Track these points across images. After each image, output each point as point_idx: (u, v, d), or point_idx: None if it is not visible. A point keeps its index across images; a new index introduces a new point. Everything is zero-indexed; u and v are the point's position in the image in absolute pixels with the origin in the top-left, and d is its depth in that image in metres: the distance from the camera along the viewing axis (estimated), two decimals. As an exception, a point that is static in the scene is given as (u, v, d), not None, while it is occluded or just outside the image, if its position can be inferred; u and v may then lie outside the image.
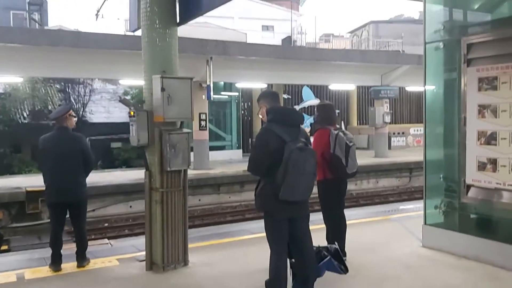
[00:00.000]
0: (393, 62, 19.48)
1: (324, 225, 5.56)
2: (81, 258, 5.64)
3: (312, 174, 4.06)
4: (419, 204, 8.25)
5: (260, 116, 4.45)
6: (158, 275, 5.30)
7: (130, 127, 5.45)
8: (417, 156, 16.44)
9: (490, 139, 5.30)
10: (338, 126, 5.50)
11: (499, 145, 5.20)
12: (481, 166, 5.41)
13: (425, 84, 6.22)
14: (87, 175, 5.63)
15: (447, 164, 6.23)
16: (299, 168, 3.92)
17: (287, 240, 4.15)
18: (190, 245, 5.71)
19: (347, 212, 5.75)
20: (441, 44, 6.11)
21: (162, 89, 5.20)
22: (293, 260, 4.33)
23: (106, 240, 6.95)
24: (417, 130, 25.16)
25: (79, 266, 5.58)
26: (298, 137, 4.06)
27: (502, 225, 5.63)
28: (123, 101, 5.68)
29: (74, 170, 5.47)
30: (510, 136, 5.09)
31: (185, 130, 5.56)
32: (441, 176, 6.18)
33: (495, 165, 5.26)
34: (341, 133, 5.28)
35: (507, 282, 4.83)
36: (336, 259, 4.44)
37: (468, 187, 5.59)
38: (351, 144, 5.28)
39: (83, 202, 5.64)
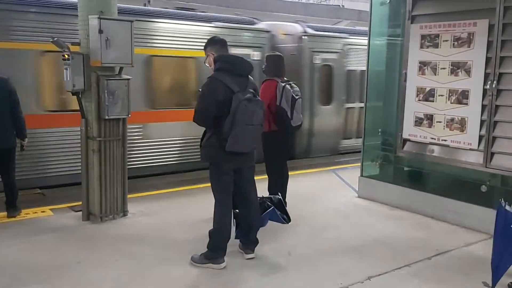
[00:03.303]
0: (333, 17, 19.53)
1: (266, 176, 5.59)
2: (12, 208, 5.34)
3: (260, 126, 4.02)
4: (355, 157, 8.56)
5: (207, 65, 4.27)
6: (96, 226, 5.15)
7: (64, 71, 5.10)
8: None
9: (428, 95, 5.49)
10: (286, 78, 5.43)
11: (436, 101, 5.40)
12: (418, 122, 5.62)
13: (369, 39, 6.27)
14: (15, 121, 5.23)
15: (385, 119, 6.44)
16: (247, 119, 3.85)
17: (232, 191, 4.13)
18: (129, 195, 5.57)
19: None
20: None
21: (100, 31, 4.87)
22: (237, 210, 4.34)
23: (38, 190, 6.59)
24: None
25: (9, 216, 5.30)
26: (246, 88, 3.97)
27: (432, 177, 5.97)
28: (55, 42, 5.25)
29: (1, 115, 5.06)
30: (447, 93, 5.29)
31: (124, 76, 5.28)
32: (379, 130, 6.39)
33: (431, 121, 5.48)
34: (288, 86, 5.23)
35: (435, 230, 5.16)
36: (279, 209, 4.52)
37: (404, 141, 5.82)
38: (297, 97, 5.25)
39: (11, 149, 5.28)
